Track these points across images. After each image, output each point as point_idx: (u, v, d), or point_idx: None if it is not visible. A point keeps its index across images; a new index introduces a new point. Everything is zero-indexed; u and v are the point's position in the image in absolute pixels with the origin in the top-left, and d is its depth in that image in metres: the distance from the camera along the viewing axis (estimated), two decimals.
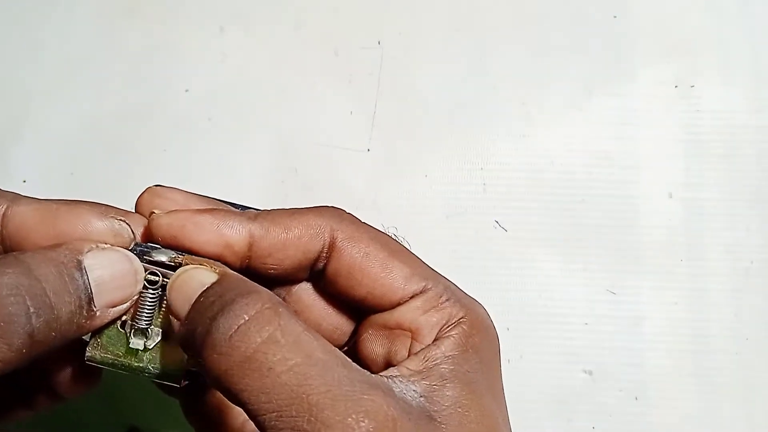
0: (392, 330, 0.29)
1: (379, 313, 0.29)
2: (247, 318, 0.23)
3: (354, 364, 0.24)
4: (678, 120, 0.48)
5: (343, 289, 0.29)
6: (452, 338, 0.27)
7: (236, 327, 0.23)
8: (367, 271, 0.29)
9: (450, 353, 0.27)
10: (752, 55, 0.49)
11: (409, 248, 0.30)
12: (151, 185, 0.30)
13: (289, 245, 0.28)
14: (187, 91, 0.51)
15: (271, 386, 0.22)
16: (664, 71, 0.49)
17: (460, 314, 0.28)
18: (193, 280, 0.25)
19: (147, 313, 0.27)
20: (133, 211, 0.30)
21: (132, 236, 0.27)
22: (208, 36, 0.52)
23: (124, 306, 0.26)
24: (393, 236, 0.31)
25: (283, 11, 0.52)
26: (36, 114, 0.51)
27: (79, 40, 0.52)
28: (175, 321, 0.26)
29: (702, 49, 0.49)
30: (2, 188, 0.28)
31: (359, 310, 0.30)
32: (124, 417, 0.46)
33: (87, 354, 0.27)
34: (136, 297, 0.27)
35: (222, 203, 0.31)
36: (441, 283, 0.29)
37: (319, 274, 0.30)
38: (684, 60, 0.49)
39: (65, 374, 0.29)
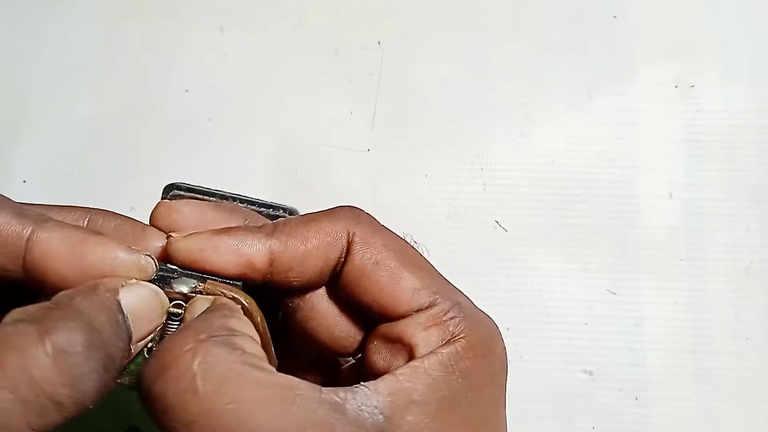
0: (394, 343, 0.28)
1: (386, 324, 0.29)
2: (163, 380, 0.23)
3: (301, 386, 0.23)
4: (678, 120, 0.48)
5: (352, 295, 0.29)
6: (440, 356, 0.26)
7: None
8: (376, 279, 0.28)
9: (432, 371, 0.26)
10: (752, 55, 0.49)
11: (426, 255, 0.30)
12: (162, 199, 0.30)
13: (309, 257, 0.28)
14: (187, 91, 0.51)
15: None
16: (664, 71, 0.49)
17: (461, 334, 0.27)
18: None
19: None
20: (148, 223, 0.30)
21: (155, 269, 0.27)
22: (208, 36, 0.52)
23: (150, 337, 0.27)
24: (412, 243, 0.30)
25: (282, 11, 0.52)
26: (36, 114, 0.51)
27: (79, 40, 0.52)
28: None
29: (702, 49, 0.49)
30: (10, 195, 0.27)
31: (369, 318, 0.30)
32: (124, 416, 0.46)
33: (117, 380, 0.26)
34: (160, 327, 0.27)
35: (236, 204, 0.31)
36: (450, 299, 0.28)
37: (335, 278, 0.30)
38: (684, 60, 0.49)
39: None
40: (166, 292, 0.27)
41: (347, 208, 0.30)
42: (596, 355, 0.45)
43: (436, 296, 0.28)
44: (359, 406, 0.24)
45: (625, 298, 0.46)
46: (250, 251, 0.28)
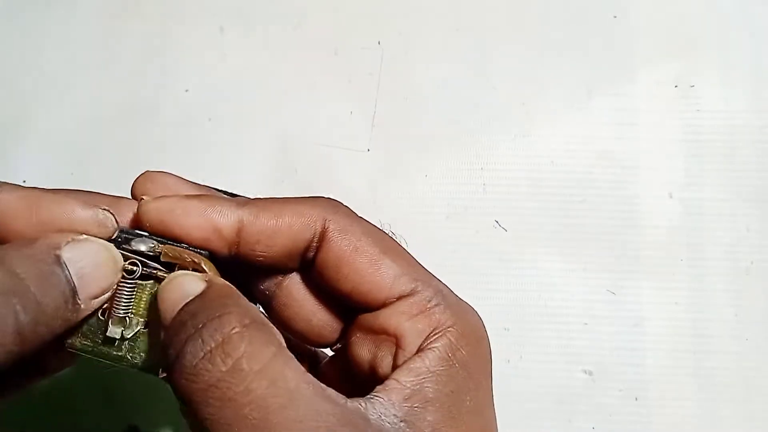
0: (378, 334, 0.28)
1: (368, 314, 0.28)
2: (213, 345, 0.22)
3: (329, 391, 0.23)
4: (678, 120, 0.48)
5: (331, 282, 0.28)
6: (437, 351, 0.26)
7: (202, 355, 0.22)
8: (355, 266, 0.28)
9: (435, 368, 0.26)
10: (752, 55, 0.49)
11: (405, 247, 0.29)
12: (148, 170, 0.30)
13: (279, 232, 0.28)
14: (187, 91, 0.51)
15: (233, 418, 0.22)
16: (664, 71, 0.49)
17: (448, 322, 0.27)
18: (180, 289, 0.25)
19: (125, 302, 0.26)
20: (129, 196, 0.30)
21: (116, 225, 0.27)
22: (208, 36, 0.52)
23: (107, 296, 0.26)
24: (390, 233, 0.30)
25: (283, 11, 0.52)
26: (36, 114, 0.51)
27: (79, 40, 0.52)
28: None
29: (702, 49, 0.49)
30: None
31: (348, 307, 0.29)
32: (123, 416, 0.46)
33: (67, 341, 0.26)
34: (115, 286, 0.26)
35: (213, 190, 0.31)
36: (432, 287, 0.28)
37: (309, 265, 0.29)
38: (684, 60, 0.49)
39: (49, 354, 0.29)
40: (125, 253, 0.26)
41: (326, 198, 0.29)
42: (596, 355, 0.45)
43: (417, 283, 0.28)
44: (380, 416, 0.24)
45: (625, 298, 0.46)
46: (219, 217, 0.27)
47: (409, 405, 0.25)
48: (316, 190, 0.49)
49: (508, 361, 0.45)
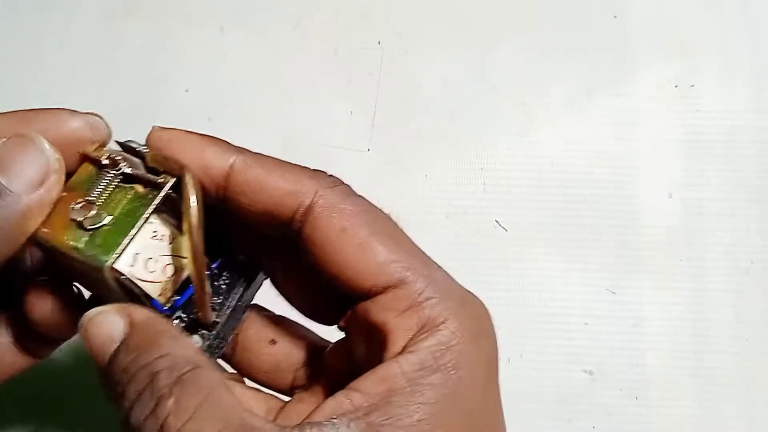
0: (370, 327, 0.25)
1: (365, 302, 0.26)
2: (147, 412, 0.22)
3: (265, 426, 0.22)
4: (678, 120, 0.48)
5: (317, 263, 0.26)
6: (420, 353, 0.23)
7: (142, 418, 0.22)
8: (340, 248, 0.25)
9: (413, 375, 0.23)
10: (752, 55, 0.49)
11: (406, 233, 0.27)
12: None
13: (265, 189, 0.26)
14: (187, 91, 0.51)
15: None
16: (664, 71, 0.49)
17: (440, 318, 0.24)
18: (102, 331, 0.24)
19: (97, 192, 0.26)
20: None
21: (108, 129, 0.27)
22: (208, 36, 0.52)
23: (51, 185, 0.25)
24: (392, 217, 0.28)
25: (283, 11, 0.52)
26: None
27: (79, 40, 0.52)
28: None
29: (702, 49, 0.49)
30: None
31: (339, 292, 0.27)
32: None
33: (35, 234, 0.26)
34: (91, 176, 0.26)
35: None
36: (425, 276, 0.25)
37: (296, 242, 0.27)
38: (684, 60, 0.49)
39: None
40: (113, 153, 0.27)
41: (327, 174, 0.28)
42: (596, 355, 0.45)
43: (408, 272, 0.25)
44: None
45: (625, 298, 0.46)
46: (212, 156, 0.27)
47: (369, 422, 0.22)
48: None
49: (509, 360, 0.45)
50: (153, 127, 0.28)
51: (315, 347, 0.31)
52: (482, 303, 0.26)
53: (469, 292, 0.26)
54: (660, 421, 0.44)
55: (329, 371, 0.30)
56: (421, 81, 0.50)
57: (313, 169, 0.28)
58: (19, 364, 0.30)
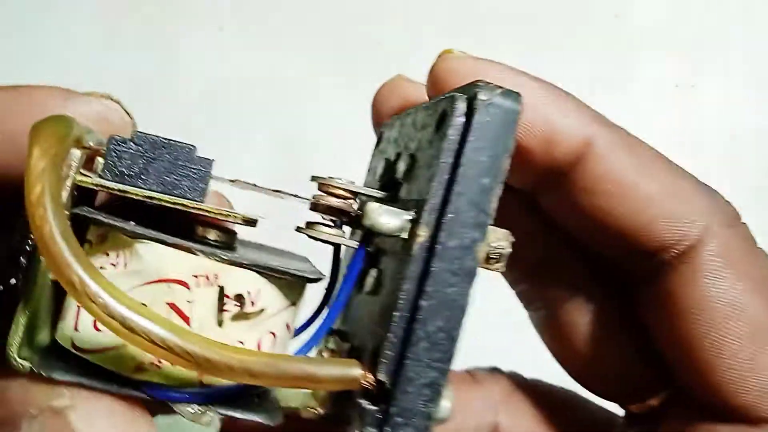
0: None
1: (708, 427, 0.18)
2: None
3: None
4: (678, 120, 0.48)
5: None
6: None
7: None
8: (732, 336, 0.18)
9: None
10: (752, 55, 0.49)
11: None
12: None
13: (635, 200, 0.19)
14: (187, 91, 0.51)
15: None
16: (664, 71, 0.49)
17: None
18: None
19: None
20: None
21: (130, 119, 0.20)
22: (208, 36, 0.52)
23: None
24: None
25: (283, 11, 0.52)
26: None
27: (79, 40, 0.52)
28: None
29: (702, 49, 0.49)
30: None
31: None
32: None
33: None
34: None
35: None
36: None
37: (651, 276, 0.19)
38: (684, 60, 0.49)
39: None
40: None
41: (724, 200, 0.19)
42: None
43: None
44: None
45: None
46: (567, 123, 0.18)
47: None
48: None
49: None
50: (446, 52, 0.18)
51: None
52: None
53: None
54: None
55: None
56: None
57: (706, 186, 0.20)
58: None
